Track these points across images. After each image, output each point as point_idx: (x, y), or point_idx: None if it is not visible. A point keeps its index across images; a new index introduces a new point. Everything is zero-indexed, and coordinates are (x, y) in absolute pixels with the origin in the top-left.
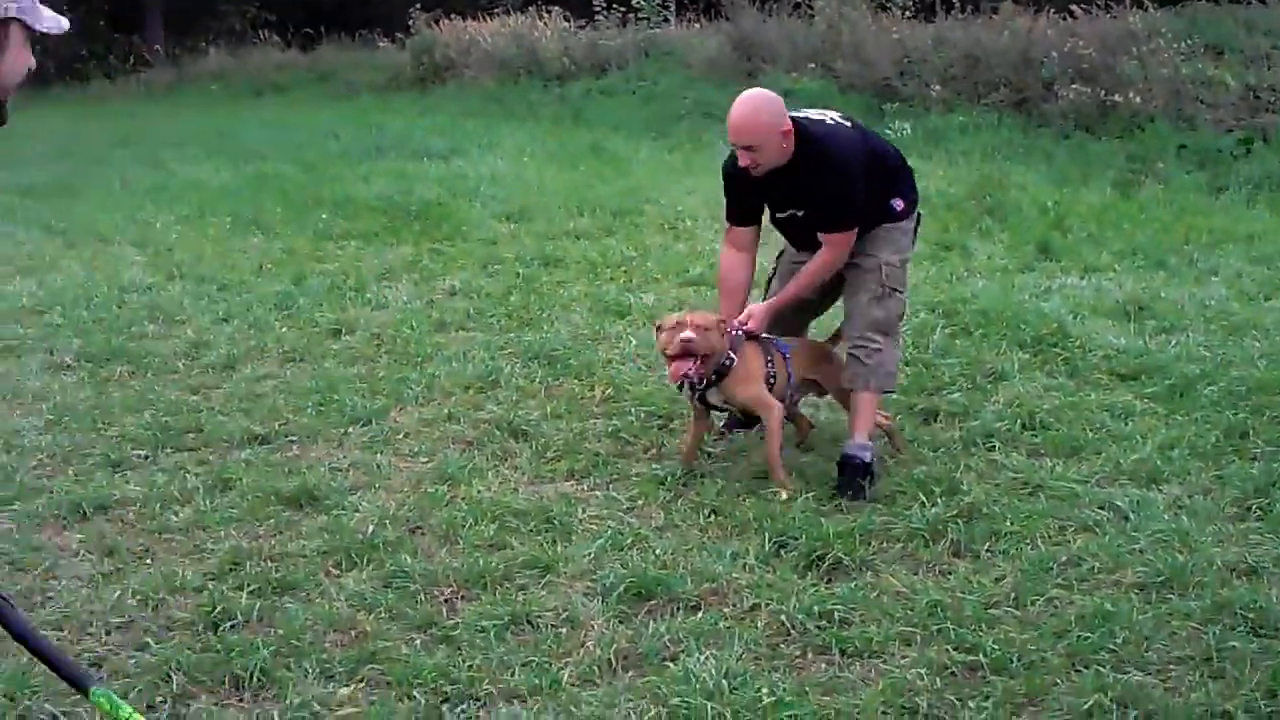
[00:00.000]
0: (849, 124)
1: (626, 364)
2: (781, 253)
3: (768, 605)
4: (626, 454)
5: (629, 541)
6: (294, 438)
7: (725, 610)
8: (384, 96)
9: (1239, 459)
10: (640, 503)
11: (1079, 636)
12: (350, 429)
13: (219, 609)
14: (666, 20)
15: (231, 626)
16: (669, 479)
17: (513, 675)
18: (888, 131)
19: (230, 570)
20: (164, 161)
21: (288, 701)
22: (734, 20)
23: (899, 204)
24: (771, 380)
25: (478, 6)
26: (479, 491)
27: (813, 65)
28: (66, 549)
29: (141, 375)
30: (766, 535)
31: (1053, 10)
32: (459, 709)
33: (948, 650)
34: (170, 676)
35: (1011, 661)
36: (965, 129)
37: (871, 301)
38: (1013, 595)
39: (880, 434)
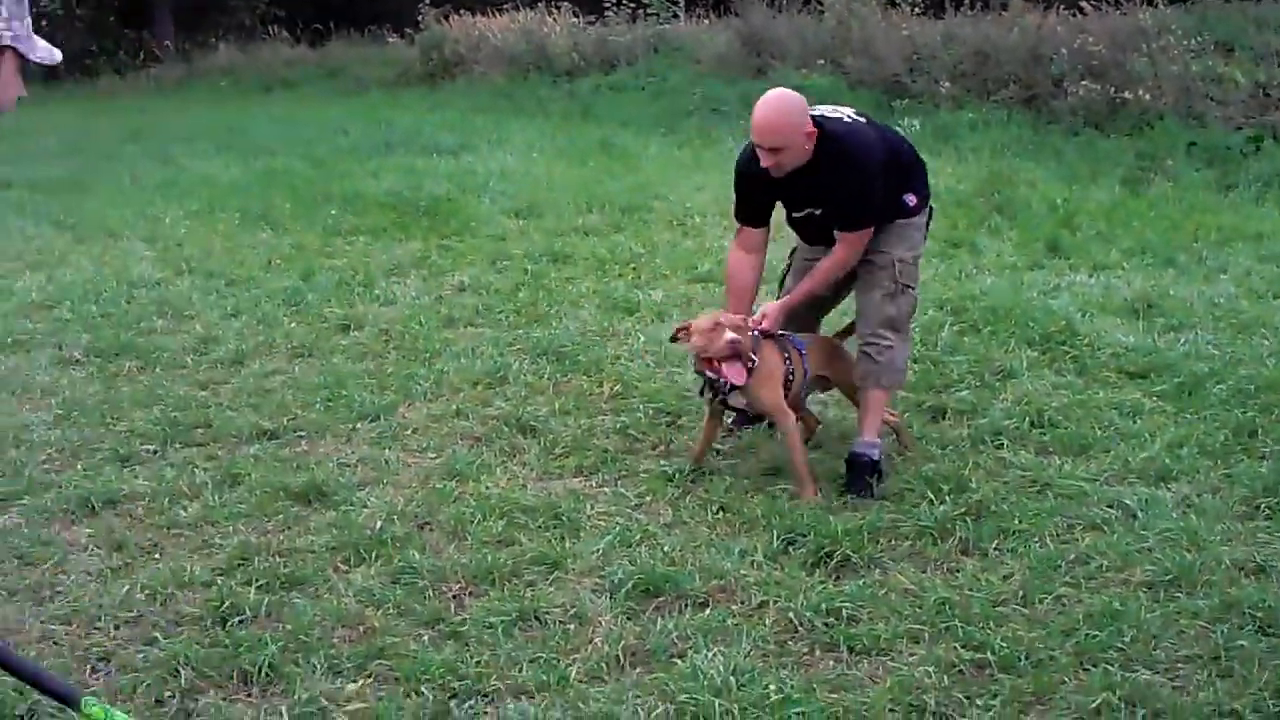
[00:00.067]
0: (865, 120)
1: (635, 360)
2: (794, 249)
3: (776, 602)
4: (635, 450)
5: (637, 538)
6: (302, 433)
7: (733, 607)
8: (393, 92)
9: (1248, 457)
10: (648, 499)
11: (1087, 635)
12: (358, 424)
13: (227, 604)
14: (676, 16)
15: (240, 622)
16: (677, 475)
17: (521, 671)
18: (897, 127)
19: (238, 565)
20: (173, 157)
21: (296, 696)
22: (743, 16)
23: (912, 199)
24: (790, 378)
25: (487, 2)
26: (487, 487)
27: (822, 61)
28: (75, 544)
29: (150, 370)
30: (775, 532)
31: (1062, 7)
32: (467, 705)
33: (955, 648)
34: (179, 671)
35: (1019, 659)
36: (974, 126)
37: (884, 298)
38: (1021, 593)
39: (888, 431)
